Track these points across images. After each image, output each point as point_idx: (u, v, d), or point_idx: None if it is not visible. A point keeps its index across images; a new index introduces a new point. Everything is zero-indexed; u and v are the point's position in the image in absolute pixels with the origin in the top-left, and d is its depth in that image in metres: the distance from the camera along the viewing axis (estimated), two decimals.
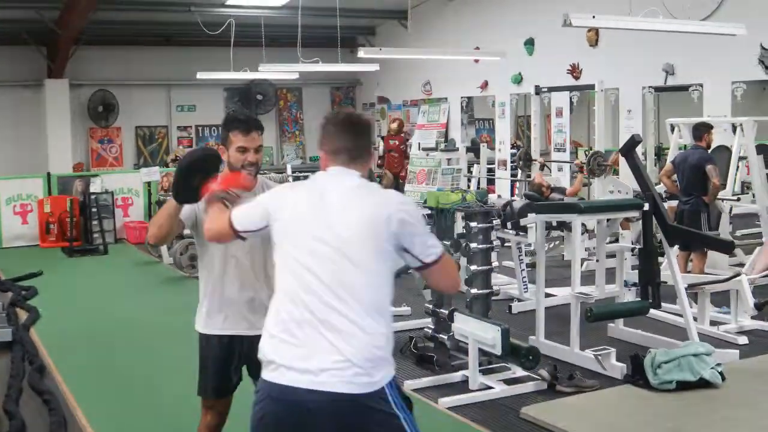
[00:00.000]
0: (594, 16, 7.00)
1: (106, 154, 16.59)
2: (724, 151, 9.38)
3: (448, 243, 6.39)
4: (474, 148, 15.26)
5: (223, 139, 3.73)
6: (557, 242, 9.77)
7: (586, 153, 10.89)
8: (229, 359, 3.79)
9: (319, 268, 2.80)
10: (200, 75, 14.86)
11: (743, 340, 6.98)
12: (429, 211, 6.78)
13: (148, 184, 14.04)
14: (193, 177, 3.49)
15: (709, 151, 8.76)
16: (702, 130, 8.59)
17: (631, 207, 6.78)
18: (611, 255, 7.38)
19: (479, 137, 17.39)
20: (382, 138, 15.74)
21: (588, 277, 7.66)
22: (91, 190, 13.37)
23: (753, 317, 7.39)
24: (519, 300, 8.31)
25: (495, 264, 7.27)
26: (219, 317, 3.75)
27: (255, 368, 3.65)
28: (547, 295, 7.92)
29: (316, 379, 2.71)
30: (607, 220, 6.98)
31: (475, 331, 5.87)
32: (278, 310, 2.86)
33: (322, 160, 3.02)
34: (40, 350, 7.13)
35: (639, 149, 10.83)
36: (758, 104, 11.82)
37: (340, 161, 2.97)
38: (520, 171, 12.03)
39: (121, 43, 16.28)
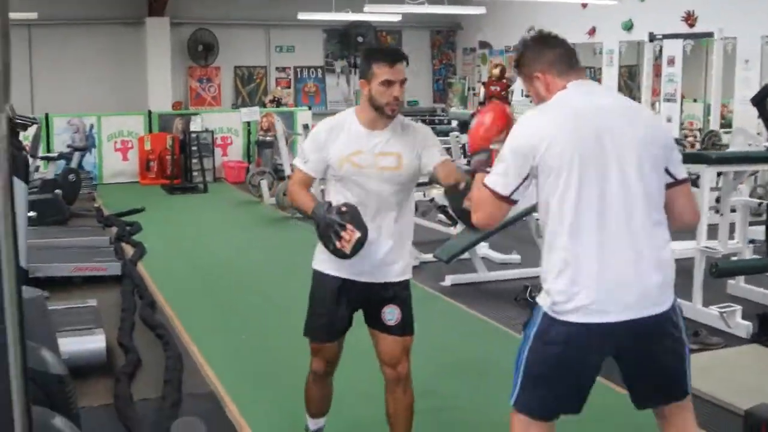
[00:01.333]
0: None
1: (204, 94, 16.61)
2: None
3: None
4: None
5: (364, 72, 3.43)
6: None
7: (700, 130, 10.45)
8: (341, 300, 3.54)
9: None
10: (301, 15, 14.73)
11: None
12: None
13: (248, 123, 14.03)
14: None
15: None
16: None
17: (762, 160, 6.46)
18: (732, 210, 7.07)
19: None
20: (484, 84, 15.44)
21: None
22: (192, 128, 13.39)
23: None
24: None
25: None
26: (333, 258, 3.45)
27: (369, 314, 3.56)
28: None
29: None
30: (734, 172, 6.65)
31: None
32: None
33: (540, 81, 2.81)
34: (148, 286, 7.15)
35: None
36: None
37: (569, 73, 2.80)
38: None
39: None
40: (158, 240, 9.06)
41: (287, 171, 11.69)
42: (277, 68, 17.26)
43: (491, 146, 2.96)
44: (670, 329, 2.76)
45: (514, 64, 2.99)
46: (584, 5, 13.83)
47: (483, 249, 7.89)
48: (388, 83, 3.34)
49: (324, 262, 3.53)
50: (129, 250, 8.43)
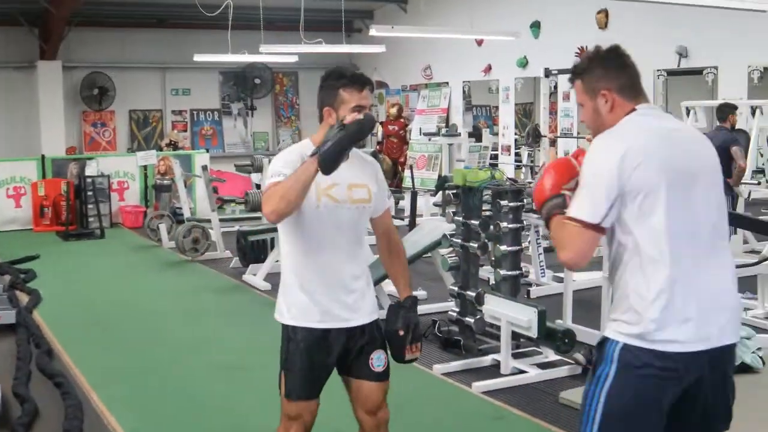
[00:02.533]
0: None
1: (99, 138, 16.29)
2: (742, 134, 9.19)
3: (476, 223, 6.15)
4: (476, 134, 15.07)
5: (327, 99, 3.21)
6: None
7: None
8: (324, 350, 3.27)
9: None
10: (197, 57, 14.59)
11: None
12: (455, 190, 6.52)
13: (145, 167, 13.74)
14: (351, 148, 3.06)
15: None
16: (727, 111, 8.40)
17: None
18: None
19: (478, 123, 17.20)
20: (381, 123, 15.51)
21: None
22: (87, 173, 13.04)
23: None
24: (537, 285, 8.08)
25: (525, 245, 7.04)
26: (316, 307, 3.23)
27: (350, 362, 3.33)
28: (560, 280, 7.74)
29: None
30: None
31: (509, 313, 5.62)
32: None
33: (606, 99, 2.68)
34: (45, 333, 6.85)
35: None
36: None
37: (638, 96, 2.70)
38: (527, 152, 11.80)
39: (115, 25, 16.03)
40: (54, 287, 8.72)
41: (186, 214, 11.47)
42: (173, 111, 17.06)
43: (563, 192, 2.74)
44: (734, 359, 2.74)
45: (572, 71, 2.81)
46: (480, 43, 14.03)
47: (388, 285, 7.80)
48: (359, 109, 3.16)
49: (297, 313, 3.25)
50: (24, 298, 8.09)
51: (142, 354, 6.49)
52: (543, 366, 5.79)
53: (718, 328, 2.57)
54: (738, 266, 6.92)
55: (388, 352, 3.34)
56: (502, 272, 6.20)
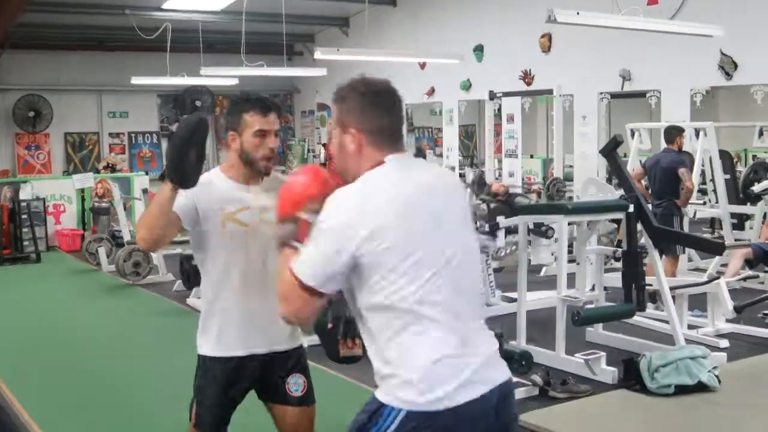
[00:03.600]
0: (578, 13, 6.75)
1: (33, 161, 15.92)
2: (687, 155, 9.27)
3: None
4: (420, 155, 15.06)
5: (232, 124, 3.15)
6: (513, 247, 9.51)
7: (545, 179, 10.74)
8: (238, 380, 3.21)
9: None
10: (135, 80, 14.34)
11: (725, 343, 6.79)
12: None
13: (82, 190, 13.46)
14: (191, 150, 2.89)
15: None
16: (674, 134, 8.44)
17: (616, 208, 6.53)
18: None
19: (421, 145, 17.21)
20: (323, 145, 15.43)
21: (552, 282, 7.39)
22: (21, 197, 12.70)
23: (729, 320, 7.23)
24: (487, 305, 8.00)
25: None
26: (233, 335, 3.17)
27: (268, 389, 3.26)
28: (511, 300, 7.69)
29: None
30: (588, 222, 6.72)
31: None
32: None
33: (353, 142, 2.40)
34: None
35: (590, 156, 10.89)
36: (716, 109, 11.83)
37: (392, 144, 2.42)
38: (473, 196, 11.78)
39: (50, 47, 15.72)
40: None
41: (126, 237, 11.22)
42: (110, 134, 16.75)
43: (301, 214, 2.49)
44: None
45: (334, 93, 2.49)
46: (422, 66, 14.02)
47: None
48: (262, 133, 3.11)
49: (213, 343, 3.19)
50: None
51: (84, 383, 6.27)
52: None
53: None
54: (688, 285, 7.00)
55: (325, 350, 3.22)
56: None
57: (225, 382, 3.17)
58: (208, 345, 3.20)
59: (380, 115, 2.41)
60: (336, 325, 3.14)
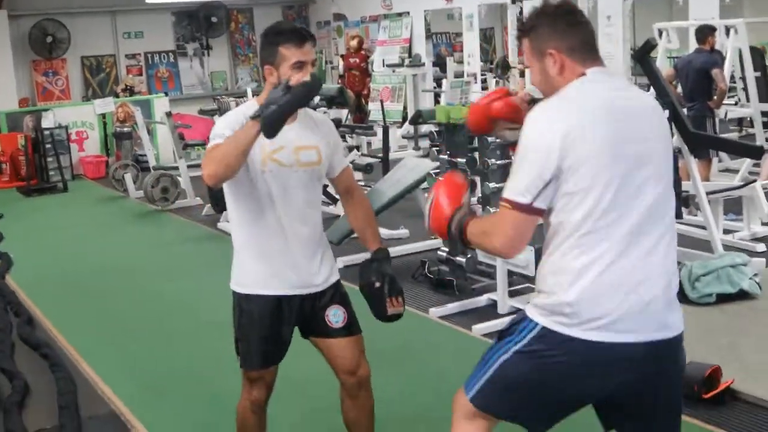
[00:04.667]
0: None
1: (52, 87, 15.79)
2: (718, 55, 9.06)
3: (463, 161, 5.98)
4: (440, 63, 14.85)
5: (268, 57, 3.05)
6: None
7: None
8: (281, 319, 3.20)
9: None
10: None
11: (761, 247, 6.75)
12: (437, 128, 6.34)
13: (103, 116, 13.38)
14: (294, 111, 2.89)
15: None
16: (706, 33, 8.21)
17: None
18: None
19: (440, 51, 16.98)
20: (342, 56, 15.22)
21: None
22: (44, 125, 12.62)
23: (764, 223, 7.16)
24: None
25: None
26: (267, 274, 3.14)
27: (310, 325, 3.25)
28: None
29: None
30: None
31: None
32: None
33: (555, 59, 2.42)
34: (22, 300, 6.61)
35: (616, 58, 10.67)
36: (741, 5, 11.53)
37: (592, 56, 2.46)
38: (496, 80, 11.61)
39: None
40: (23, 248, 8.42)
41: (151, 162, 11.19)
42: (126, 55, 16.55)
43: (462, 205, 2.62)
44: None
45: (519, 29, 2.56)
46: None
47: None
48: (300, 65, 3.01)
49: (249, 282, 3.17)
50: None
51: (126, 314, 6.30)
52: None
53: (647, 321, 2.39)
54: (724, 189, 6.91)
55: (372, 310, 3.22)
56: (492, 210, 6.05)
57: (263, 322, 3.15)
58: (243, 283, 3.20)
59: (575, 31, 2.45)
60: (383, 284, 3.13)
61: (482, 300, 5.87)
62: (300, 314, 3.19)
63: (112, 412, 4.51)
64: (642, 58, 6.53)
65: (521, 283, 5.93)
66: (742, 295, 5.52)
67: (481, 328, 5.34)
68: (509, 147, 2.79)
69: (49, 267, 7.83)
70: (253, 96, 8.95)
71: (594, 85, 2.41)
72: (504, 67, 10.88)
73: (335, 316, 3.20)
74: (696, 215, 7.03)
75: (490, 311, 5.68)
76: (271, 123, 2.79)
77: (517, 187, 2.33)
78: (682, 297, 5.54)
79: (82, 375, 5.02)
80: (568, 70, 2.43)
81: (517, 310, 5.57)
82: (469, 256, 5.95)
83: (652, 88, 6.60)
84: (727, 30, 9.09)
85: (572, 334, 2.34)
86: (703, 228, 6.64)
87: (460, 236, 2.57)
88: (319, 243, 3.21)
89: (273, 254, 3.12)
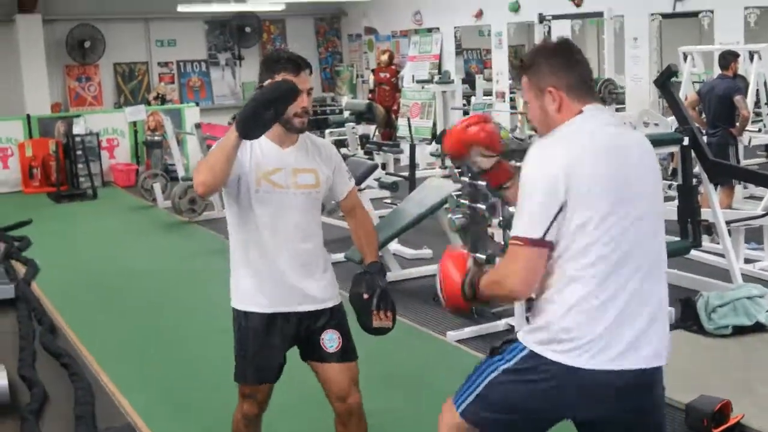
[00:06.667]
0: None
1: (84, 93, 15.96)
2: (741, 80, 9.04)
3: (483, 183, 6.00)
4: (469, 80, 14.88)
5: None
6: None
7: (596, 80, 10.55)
8: (274, 336, 3.28)
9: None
10: (181, 8, 14.33)
11: None
12: None
13: (134, 123, 13.50)
14: (268, 111, 2.93)
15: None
16: (729, 59, 8.21)
17: (670, 142, 6.42)
18: None
19: (470, 68, 17.00)
20: (372, 71, 15.28)
21: None
22: (75, 131, 12.78)
23: None
24: None
25: None
26: (262, 293, 3.24)
27: (305, 347, 3.33)
28: None
29: None
30: None
31: None
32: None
33: (553, 97, 2.51)
34: (46, 308, 6.72)
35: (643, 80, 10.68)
36: None
37: (586, 96, 2.54)
38: (522, 99, 11.60)
39: None
40: (51, 255, 8.53)
41: (180, 172, 11.29)
42: (159, 63, 16.71)
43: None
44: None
45: (518, 66, 2.66)
46: None
47: (393, 245, 7.71)
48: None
49: (246, 299, 3.28)
50: (20, 269, 7.92)
51: (149, 325, 6.38)
52: None
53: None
54: (744, 219, 6.89)
55: (358, 321, 3.31)
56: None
57: (258, 339, 3.25)
58: (239, 300, 3.30)
59: (573, 69, 2.54)
60: (371, 296, 3.22)
61: (500, 324, 5.90)
62: (296, 334, 3.28)
63: (128, 425, 4.57)
64: (663, 84, 6.54)
65: None
66: (759, 328, 5.51)
67: None
68: (482, 175, 2.86)
69: (75, 274, 7.94)
70: None
71: (592, 122, 2.51)
72: None
73: (330, 340, 3.28)
74: (718, 243, 7.02)
75: (507, 336, 5.68)
76: (244, 120, 2.88)
77: (526, 224, 2.41)
78: (699, 328, 5.58)
79: (100, 385, 5.10)
80: (566, 108, 2.52)
81: None
82: None
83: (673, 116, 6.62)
84: (751, 55, 9.07)
85: (561, 360, 2.43)
86: (722, 256, 6.63)
87: (473, 295, 2.66)
88: (316, 264, 3.28)
89: (265, 273, 3.22)
